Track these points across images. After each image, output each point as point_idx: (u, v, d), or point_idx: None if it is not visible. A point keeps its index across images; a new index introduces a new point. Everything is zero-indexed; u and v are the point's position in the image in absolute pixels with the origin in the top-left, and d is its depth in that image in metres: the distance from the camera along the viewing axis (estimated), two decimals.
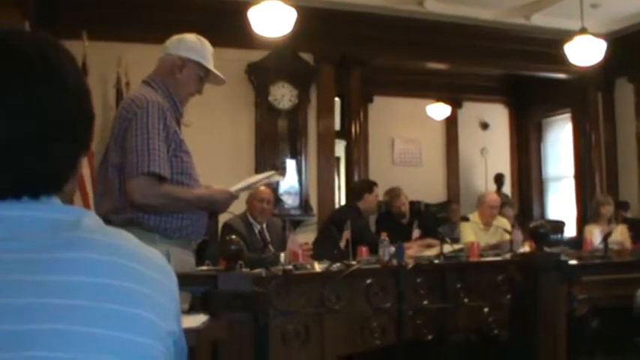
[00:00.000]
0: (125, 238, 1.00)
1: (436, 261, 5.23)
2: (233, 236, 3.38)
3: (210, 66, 3.33)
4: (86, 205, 6.36)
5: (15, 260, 0.88)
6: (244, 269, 3.26)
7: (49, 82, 0.96)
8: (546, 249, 4.27)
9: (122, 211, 3.06)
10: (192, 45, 3.30)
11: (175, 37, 3.34)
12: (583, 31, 7.39)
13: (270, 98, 8.45)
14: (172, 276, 1.04)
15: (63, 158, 0.99)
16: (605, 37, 8.16)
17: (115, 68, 7.33)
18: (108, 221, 3.05)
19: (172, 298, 1.00)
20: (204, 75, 3.34)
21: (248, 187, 3.62)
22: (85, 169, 6.55)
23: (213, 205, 3.38)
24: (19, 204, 0.94)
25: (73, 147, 1.01)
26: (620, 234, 7.06)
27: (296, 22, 6.36)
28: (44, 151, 0.95)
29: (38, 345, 0.83)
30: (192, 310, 2.93)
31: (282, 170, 8.20)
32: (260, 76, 8.45)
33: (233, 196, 3.34)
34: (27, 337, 0.83)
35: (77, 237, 0.93)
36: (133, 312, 0.90)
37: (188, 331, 2.47)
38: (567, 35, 7.61)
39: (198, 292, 2.98)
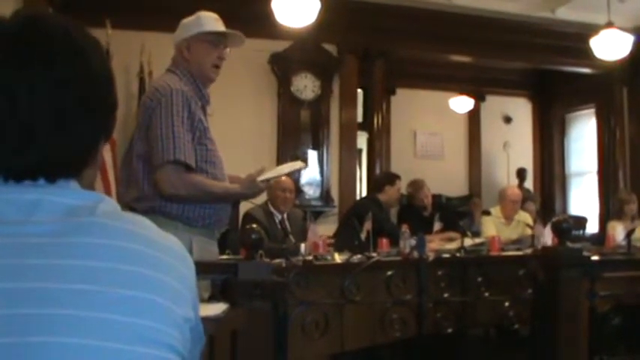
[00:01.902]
0: (141, 224, 0.99)
1: (457, 254, 5.22)
2: (254, 225, 3.37)
3: (216, 28, 3.29)
4: (107, 193, 6.39)
5: (30, 244, 0.88)
6: (265, 259, 3.26)
7: (73, 63, 0.96)
8: (568, 244, 4.23)
9: (145, 199, 3.06)
10: (188, 23, 3.31)
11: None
12: (609, 24, 7.32)
13: (293, 89, 8.44)
14: (190, 263, 1.03)
15: (82, 142, 0.99)
16: (632, 31, 8.07)
17: (138, 57, 7.35)
18: (132, 209, 3.08)
19: (189, 285, 1.00)
20: (215, 39, 3.29)
21: (274, 178, 3.61)
22: (107, 157, 6.59)
23: (241, 198, 3.40)
24: (36, 187, 0.94)
25: (94, 131, 1.01)
26: None
27: (320, 13, 6.36)
28: (63, 133, 0.95)
29: (52, 330, 0.83)
30: (212, 298, 2.93)
31: (303, 162, 8.20)
32: (283, 67, 8.44)
33: (261, 189, 3.35)
34: (41, 321, 0.83)
35: (92, 222, 0.92)
36: (146, 297, 0.90)
37: (208, 320, 2.48)
38: (593, 29, 7.55)
39: (218, 280, 2.98)
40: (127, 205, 3.18)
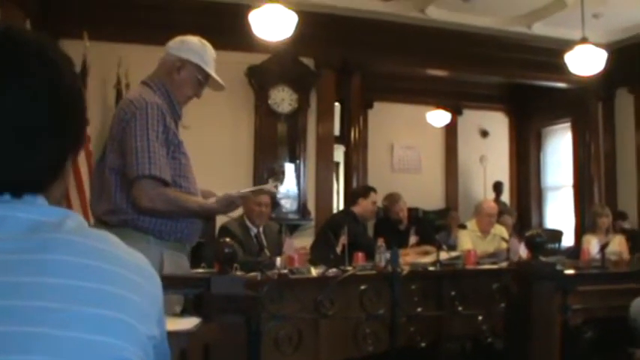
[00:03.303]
0: (107, 240, 0.98)
1: (432, 268, 5.23)
2: (227, 239, 3.37)
3: (211, 70, 3.30)
4: (84, 205, 6.36)
5: None
6: (239, 272, 3.26)
7: (43, 76, 0.96)
8: (542, 258, 4.25)
9: (118, 212, 3.04)
10: (194, 47, 3.28)
11: (179, 38, 3.32)
12: (584, 40, 7.39)
13: (270, 102, 8.44)
14: (156, 280, 1.02)
15: (50, 156, 0.98)
16: (606, 47, 8.15)
17: (115, 69, 7.33)
18: (104, 222, 3.06)
19: (154, 302, 0.99)
20: (203, 79, 3.30)
21: (248, 195, 3.61)
22: (84, 169, 6.56)
23: (215, 214, 3.40)
24: (2, 203, 0.93)
25: (62, 146, 1.00)
26: (618, 244, 7.06)
27: (297, 27, 6.37)
28: (32, 147, 0.94)
29: (10, 348, 0.83)
30: (185, 312, 2.92)
31: (280, 175, 8.19)
32: (260, 80, 8.44)
33: (236, 207, 3.36)
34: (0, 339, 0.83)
35: (56, 239, 0.92)
36: (110, 315, 0.89)
37: (180, 334, 2.48)
38: (568, 45, 7.62)
39: (191, 294, 2.98)
40: (99, 218, 3.17)
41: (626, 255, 6.64)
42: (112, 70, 7.36)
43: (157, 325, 0.99)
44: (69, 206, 6.63)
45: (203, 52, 3.29)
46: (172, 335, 2.21)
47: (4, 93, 0.92)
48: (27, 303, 0.85)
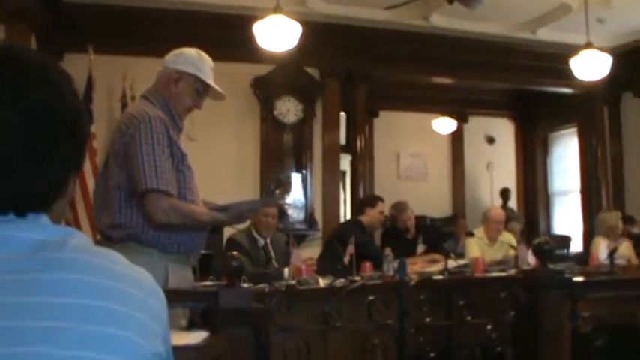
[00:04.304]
0: (111, 257, 0.98)
1: (440, 276, 5.22)
2: (234, 252, 3.37)
3: (209, 80, 3.29)
4: (90, 218, 6.38)
5: None
6: (247, 284, 3.25)
7: (44, 96, 0.96)
8: (550, 265, 4.24)
9: (121, 227, 3.05)
10: (190, 58, 3.28)
11: (174, 52, 3.32)
12: (589, 45, 7.38)
13: (276, 112, 8.46)
14: (160, 296, 1.02)
15: (53, 175, 0.98)
16: (611, 51, 8.12)
17: (121, 82, 7.35)
18: (107, 237, 3.07)
19: (159, 319, 0.99)
20: (202, 89, 3.30)
21: (255, 208, 3.60)
22: (90, 181, 6.57)
23: (225, 226, 3.42)
24: (5, 223, 0.93)
25: (65, 165, 1.00)
26: (626, 249, 7.04)
27: (301, 37, 6.39)
28: (33, 166, 0.95)
29: None
30: (192, 326, 2.92)
31: (287, 186, 8.19)
32: (265, 91, 8.46)
33: (245, 218, 3.38)
34: None
35: (60, 257, 0.92)
36: (116, 333, 0.89)
37: (188, 348, 2.47)
38: (573, 50, 7.61)
39: (198, 308, 2.97)
40: (102, 232, 3.18)
41: (633, 260, 6.62)
42: (117, 83, 7.39)
43: (162, 341, 0.99)
44: (75, 219, 6.65)
45: (200, 63, 3.29)
46: (180, 350, 2.21)
47: (3, 113, 0.93)
48: (32, 323, 0.85)
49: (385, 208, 6.88)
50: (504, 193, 11.90)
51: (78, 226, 6.52)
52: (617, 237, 7.38)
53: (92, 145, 6.86)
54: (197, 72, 3.25)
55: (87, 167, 6.74)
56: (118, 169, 3.07)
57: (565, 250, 9.91)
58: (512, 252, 6.43)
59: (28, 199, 0.96)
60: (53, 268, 0.90)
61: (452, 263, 5.57)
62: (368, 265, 5.21)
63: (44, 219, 0.98)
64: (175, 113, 3.26)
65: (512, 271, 5.53)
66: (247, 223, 5.63)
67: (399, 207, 7.42)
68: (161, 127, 3.05)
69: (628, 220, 9.05)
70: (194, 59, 3.28)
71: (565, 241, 10.35)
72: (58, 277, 0.89)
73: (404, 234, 7.27)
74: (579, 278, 4.76)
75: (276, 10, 6.21)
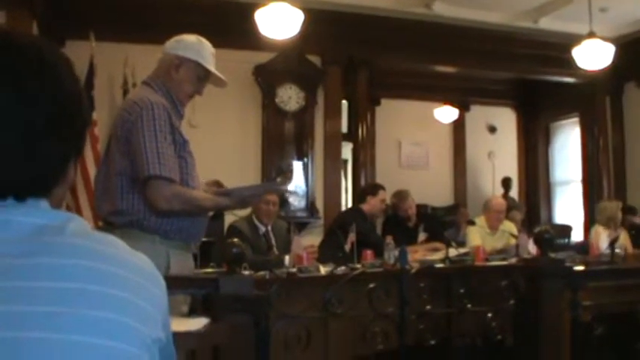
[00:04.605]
0: (111, 243, 0.98)
1: (441, 265, 5.22)
2: (235, 239, 3.37)
3: (210, 66, 3.29)
4: (92, 205, 6.39)
5: None
6: (248, 272, 3.25)
7: (42, 81, 0.96)
8: (551, 255, 4.24)
9: (123, 213, 3.05)
10: (191, 45, 3.27)
11: (175, 38, 3.32)
12: (591, 35, 7.37)
13: (277, 100, 8.45)
14: (160, 282, 1.02)
15: (53, 161, 0.98)
16: (614, 41, 8.11)
17: (122, 69, 7.34)
18: (109, 223, 3.07)
19: (159, 305, 0.99)
20: (203, 75, 3.30)
21: (257, 193, 3.60)
22: (91, 168, 6.58)
23: (227, 210, 3.43)
24: (5, 207, 0.93)
25: (64, 150, 1.00)
26: (623, 239, 7.05)
27: (303, 24, 6.37)
28: (32, 151, 0.94)
29: (20, 354, 0.82)
30: (193, 313, 2.92)
31: (289, 173, 8.19)
32: (267, 78, 8.45)
33: (248, 204, 3.39)
34: (7, 344, 0.83)
35: (59, 242, 0.92)
36: (115, 318, 0.89)
37: (189, 335, 2.47)
38: (576, 39, 7.59)
39: (199, 294, 2.97)
40: (104, 219, 3.18)
41: (630, 249, 6.62)
42: (118, 70, 7.38)
43: (162, 327, 0.99)
44: (77, 205, 6.66)
45: (200, 49, 3.28)
46: (181, 336, 2.22)
47: (3, 98, 0.92)
48: (31, 308, 0.85)
49: (386, 196, 6.87)
50: (506, 182, 11.91)
51: (79, 213, 6.52)
52: (617, 227, 7.38)
53: (94, 132, 6.85)
54: (198, 58, 3.25)
55: (88, 154, 6.75)
56: (120, 155, 3.07)
57: (566, 240, 9.91)
58: (513, 241, 6.43)
59: (27, 183, 0.96)
60: (52, 253, 0.90)
61: (453, 252, 5.56)
62: (369, 253, 5.21)
63: (44, 204, 0.98)
64: (177, 100, 3.25)
65: (513, 260, 5.53)
66: (248, 210, 5.63)
67: (401, 195, 7.41)
68: (163, 113, 3.04)
69: (629, 210, 9.06)
70: (195, 45, 3.28)
71: (566, 230, 10.36)
72: (56, 261, 0.89)
73: (405, 222, 7.26)
74: (580, 267, 4.77)
75: None
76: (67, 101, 0.99)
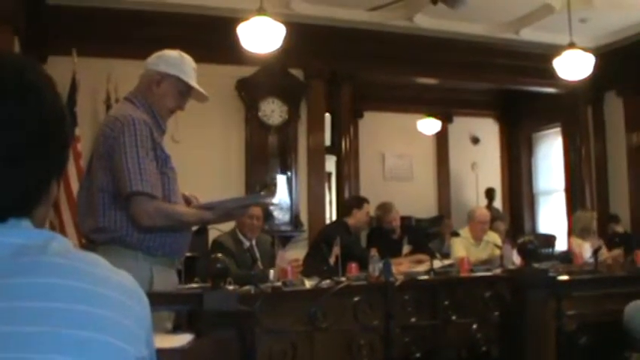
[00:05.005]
0: (93, 262, 0.98)
1: (426, 276, 5.23)
2: (219, 254, 3.36)
3: (191, 81, 3.29)
4: (75, 222, 6.35)
5: None
6: (232, 286, 3.25)
7: (23, 101, 0.95)
8: (535, 265, 4.26)
9: (105, 230, 3.03)
10: (171, 60, 3.27)
11: (156, 54, 3.32)
12: (572, 45, 7.41)
13: (260, 114, 8.44)
14: (143, 300, 1.02)
15: (34, 180, 0.97)
16: (594, 51, 8.17)
17: (104, 84, 7.31)
18: (91, 240, 3.05)
19: (142, 323, 0.98)
20: (184, 90, 3.29)
21: (242, 206, 3.58)
22: (74, 184, 6.55)
23: (210, 224, 3.41)
24: None
25: (46, 169, 1.00)
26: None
27: (285, 38, 6.37)
28: (15, 171, 0.94)
29: None
30: (177, 329, 2.91)
31: (272, 187, 8.19)
32: (250, 92, 8.45)
33: (232, 217, 3.37)
34: None
35: (40, 262, 0.91)
36: (98, 338, 0.89)
37: (173, 351, 2.46)
38: (556, 50, 7.63)
39: (183, 310, 2.96)
40: (86, 236, 3.16)
41: (608, 258, 6.63)
42: (101, 85, 7.35)
43: (145, 345, 0.98)
44: (60, 223, 6.62)
45: (181, 64, 3.28)
46: (165, 353, 2.21)
47: None
48: (12, 328, 0.84)
49: (371, 209, 6.88)
50: (489, 193, 11.96)
51: (63, 230, 6.49)
52: (591, 237, 7.41)
53: (76, 148, 6.83)
54: (179, 73, 3.25)
55: (71, 170, 6.71)
56: (102, 171, 3.06)
57: (550, 250, 9.96)
58: (497, 252, 6.45)
59: (9, 204, 0.95)
60: (35, 272, 0.89)
61: (437, 263, 5.58)
62: (353, 266, 5.21)
63: (25, 223, 0.97)
64: (158, 115, 3.25)
65: (497, 271, 5.54)
66: (232, 225, 5.62)
67: (385, 208, 7.42)
68: (145, 129, 3.04)
69: (612, 218, 9.12)
70: (176, 60, 3.27)
71: (550, 240, 10.41)
72: (38, 281, 0.89)
73: (389, 234, 7.27)
74: (564, 277, 4.79)
75: (260, 11, 6.20)
76: (49, 121, 0.99)
